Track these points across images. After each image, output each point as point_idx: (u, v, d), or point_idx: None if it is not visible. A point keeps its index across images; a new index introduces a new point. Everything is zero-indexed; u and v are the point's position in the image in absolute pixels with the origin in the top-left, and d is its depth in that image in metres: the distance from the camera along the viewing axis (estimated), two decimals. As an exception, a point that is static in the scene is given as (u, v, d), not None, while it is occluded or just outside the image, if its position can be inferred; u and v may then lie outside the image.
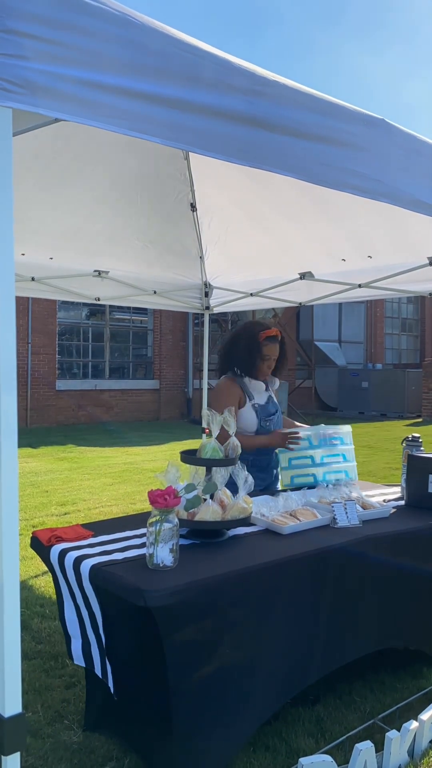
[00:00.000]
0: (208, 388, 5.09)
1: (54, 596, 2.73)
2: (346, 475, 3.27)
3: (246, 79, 1.72)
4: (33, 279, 4.37)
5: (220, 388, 3.25)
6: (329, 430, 3.23)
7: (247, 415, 3.21)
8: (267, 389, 3.35)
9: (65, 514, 5.93)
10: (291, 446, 3.12)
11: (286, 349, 3.32)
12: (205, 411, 2.62)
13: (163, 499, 2.08)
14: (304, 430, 3.21)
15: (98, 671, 2.15)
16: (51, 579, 2.47)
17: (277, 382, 3.40)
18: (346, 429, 3.30)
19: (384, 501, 3.09)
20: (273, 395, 3.40)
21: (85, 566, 2.07)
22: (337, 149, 1.95)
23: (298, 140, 1.84)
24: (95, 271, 4.42)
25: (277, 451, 3.28)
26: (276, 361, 3.28)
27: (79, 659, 2.22)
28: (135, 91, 1.52)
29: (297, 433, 3.14)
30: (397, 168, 2.13)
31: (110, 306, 14.99)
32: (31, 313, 13.67)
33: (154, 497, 2.10)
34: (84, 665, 2.21)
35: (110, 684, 2.09)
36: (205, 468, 2.51)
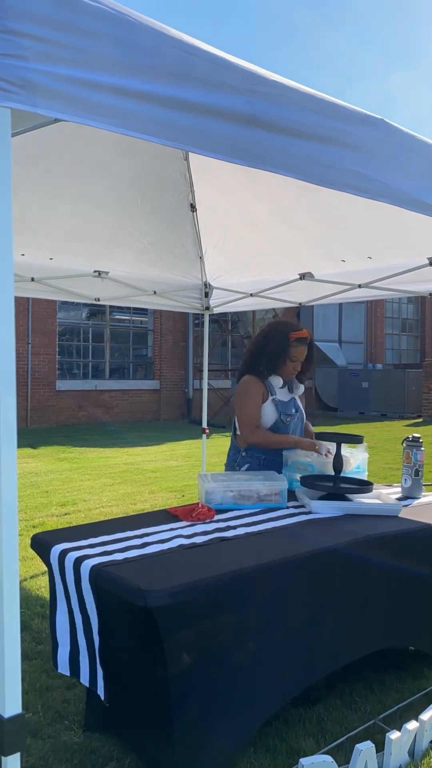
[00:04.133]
0: (208, 388, 5.09)
1: (54, 597, 2.73)
2: None
3: (245, 79, 1.72)
4: (33, 279, 4.37)
5: (246, 383, 3.30)
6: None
7: (267, 409, 3.27)
8: (291, 392, 3.40)
9: (65, 514, 5.93)
10: (317, 450, 3.20)
11: (314, 353, 3.37)
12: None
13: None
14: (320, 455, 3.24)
15: (85, 680, 2.11)
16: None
17: (301, 388, 3.46)
18: (363, 456, 3.29)
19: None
20: (297, 399, 3.44)
21: (86, 567, 2.07)
22: (336, 149, 1.95)
23: (297, 140, 1.84)
24: (95, 271, 4.42)
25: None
26: (302, 363, 3.33)
27: (64, 668, 2.18)
28: (134, 91, 1.52)
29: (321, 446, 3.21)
30: (396, 168, 2.13)
31: (110, 306, 14.99)
32: (31, 313, 13.67)
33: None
34: (69, 674, 2.17)
35: (101, 691, 2.06)
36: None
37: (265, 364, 3.28)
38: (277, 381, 3.31)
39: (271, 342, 3.27)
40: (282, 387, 3.34)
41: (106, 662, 2.07)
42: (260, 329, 3.63)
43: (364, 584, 2.50)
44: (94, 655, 2.09)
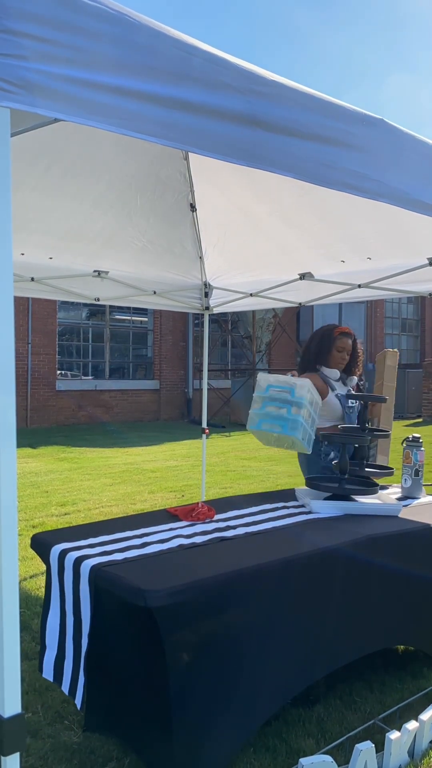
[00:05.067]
0: (208, 388, 5.07)
1: (54, 597, 2.73)
2: None
3: (245, 79, 1.72)
4: (32, 279, 4.37)
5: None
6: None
7: (331, 403, 3.56)
8: (345, 384, 3.72)
9: (65, 514, 5.92)
10: None
11: (359, 349, 3.75)
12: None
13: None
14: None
15: (65, 687, 2.11)
16: (51, 579, 2.47)
17: (354, 379, 3.79)
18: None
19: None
20: (351, 389, 3.78)
21: (85, 567, 2.07)
22: (336, 149, 1.95)
23: (297, 140, 1.84)
24: (95, 271, 4.42)
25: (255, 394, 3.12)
26: (349, 357, 3.69)
27: (48, 672, 2.18)
28: (134, 91, 1.52)
29: None
30: (396, 168, 2.13)
31: (110, 306, 14.99)
32: (31, 313, 13.66)
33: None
34: (52, 680, 2.17)
35: (78, 701, 2.05)
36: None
37: (315, 356, 3.66)
38: (332, 373, 3.62)
39: (317, 338, 3.70)
40: (337, 380, 3.65)
41: (92, 668, 2.06)
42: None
43: (364, 584, 2.50)
44: (78, 660, 2.08)
